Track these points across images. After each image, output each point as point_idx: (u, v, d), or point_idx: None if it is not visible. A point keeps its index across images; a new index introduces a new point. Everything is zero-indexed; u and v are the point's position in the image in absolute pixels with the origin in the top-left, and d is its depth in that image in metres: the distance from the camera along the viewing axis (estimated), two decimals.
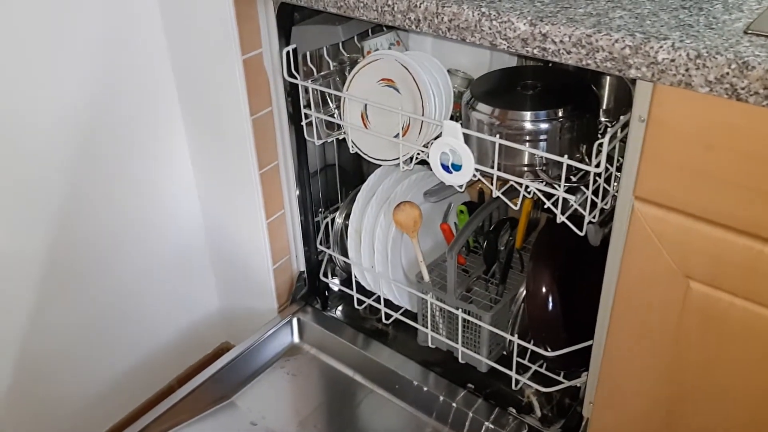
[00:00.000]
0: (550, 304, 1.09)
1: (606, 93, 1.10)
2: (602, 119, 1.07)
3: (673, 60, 0.68)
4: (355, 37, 1.19)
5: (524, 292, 1.15)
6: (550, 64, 1.15)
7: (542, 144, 0.97)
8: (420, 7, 0.85)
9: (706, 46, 0.68)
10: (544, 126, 0.96)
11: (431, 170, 1.31)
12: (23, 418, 1.26)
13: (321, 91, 1.16)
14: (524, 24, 0.78)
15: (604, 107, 1.08)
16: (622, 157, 0.88)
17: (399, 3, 0.87)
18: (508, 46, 0.80)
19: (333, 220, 1.38)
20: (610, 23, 0.75)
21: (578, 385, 1.12)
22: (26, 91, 1.08)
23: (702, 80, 0.67)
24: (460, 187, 1.04)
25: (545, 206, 0.98)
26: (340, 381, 1.29)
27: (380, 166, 1.28)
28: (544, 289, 1.10)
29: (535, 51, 0.78)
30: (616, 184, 0.94)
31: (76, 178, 1.19)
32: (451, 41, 1.16)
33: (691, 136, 0.72)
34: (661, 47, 0.69)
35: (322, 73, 1.18)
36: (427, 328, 1.23)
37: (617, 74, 0.74)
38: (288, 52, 1.14)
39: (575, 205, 0.95)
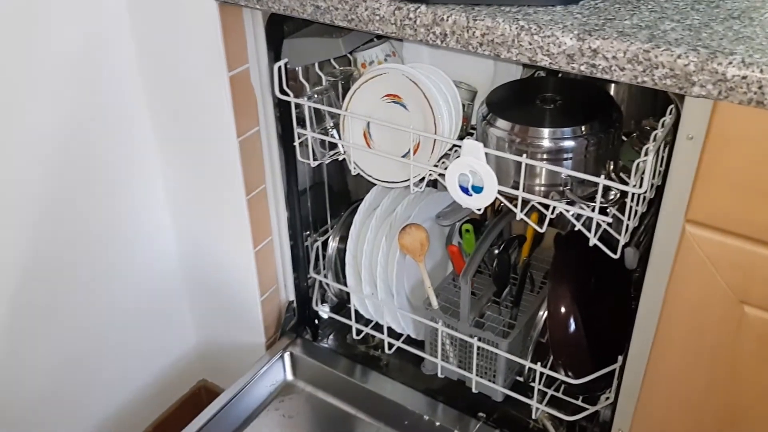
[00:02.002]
0: (572, 326, 1.04)
1: None
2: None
3: (744, 77, 0.64)
4: None
5: (543, 315, 1.10)
6: (560, 74, 1.11)
7: (566, 162, 0.91)
8: (447, 20, 0.78)
9: None
10: (568, 144, 0.90)
11: (430, 187, 1.26)
12: None
13: (315, 108, 1.07)
14: (571, 38, 0.71)
15: None
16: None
17: (423, 16, 0.79)
18: (550, 63, 0.74)
19: (324, 243, 1.29)
20: (665, 36, 0.69)
21: (599, 409, 1.07)
22: None
23: None
24: (478, 210, 0.97)
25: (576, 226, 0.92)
26: (343, 421, 1.20)
27: (375, 185, 1.21)
28: (564, 311, 1.05)
29: (583, 68, 0.72)
30: (645, 204, 0.89)
31: (36, 210, 1.06)
32: (451, 51, 1.08)
33: (758, 155, 0.68)
34: (730, 63, 0.64)
35: (317, 89, 1.09)
36: (436, 356, 1.16)
37: (676, 92, 0.69)
38: (279, 68, 1.04)
39: (604, 226, 0.90)
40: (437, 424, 1.14)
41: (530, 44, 0.74)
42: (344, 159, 1.10)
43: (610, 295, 1.12)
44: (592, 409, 1.06)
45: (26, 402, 1.15)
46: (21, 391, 1.13)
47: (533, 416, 1.11)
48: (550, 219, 0.94)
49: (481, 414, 1.15)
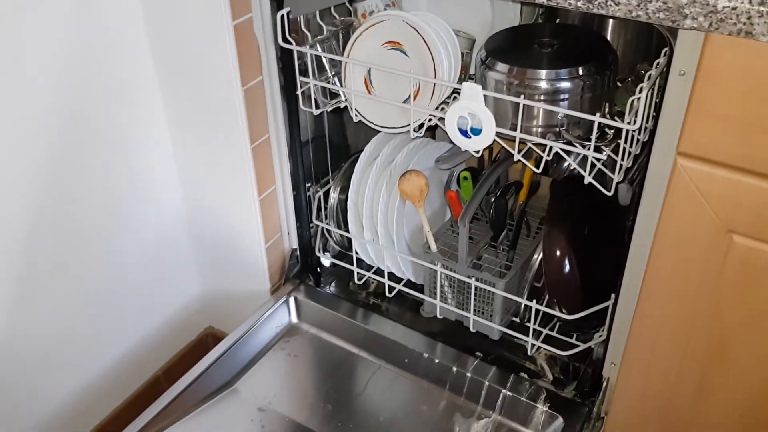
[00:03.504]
0: (567, 267, 1.08)
1: None
2: None
3: (734, 8, 0.67)
4: None
5: (538, 257, 1.14)
6: (558, 20, 1.14)
7: (563, 104, 0.94)
8: None
9: None
10: (565, 85, 0.93)
11: (429, 137, 1.29)
12: (6, 419, 1.16)
13: (317, 57, 1.10)
14: None
15: None
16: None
17: None
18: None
19: (326, 193, 1.32)
20: None
21: (592, 346, 1.12)
22: None
23: (765, 28, 0.66)
24: (477, 152, 1.01)
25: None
26: (346, 359, 1.25)
27: (377, 134, 1.24)
28: (558, 253, 1.09)
29: (579, 3, 0.75)
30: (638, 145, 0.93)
31: (41, 161, 1.09)
32: None
33: (745, 87, 0.71)
34: None
35: (318, 37, 1.11)
36: (435, 298, 1.20)
37: (669, 25, 0.72)
38: (282, 16, 1.06)
39: (599, 165, 0.94)
40: (436, 361, 1.19)
41: None
42: (345, 110, 1.13)
43: (603, 243, 1.16)
44: (585, 345, 1.11)
45: (38, 346, 1.18)
46: (33, 337, 1.16)
47: (529, 353, 1.16)
48: (546, 167, 0.97)
49: (478, 353, 1.20)
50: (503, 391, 1.14)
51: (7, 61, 0.98)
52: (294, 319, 1.32)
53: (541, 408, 1.11)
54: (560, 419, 1.09)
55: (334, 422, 1.13)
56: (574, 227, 1.11)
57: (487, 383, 1.15)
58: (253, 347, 1.24)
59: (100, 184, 1.19)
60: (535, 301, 1.10)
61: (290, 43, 1.08)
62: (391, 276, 1.26)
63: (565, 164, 1.23)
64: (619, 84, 1.02)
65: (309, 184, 1.31)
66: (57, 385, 1.24)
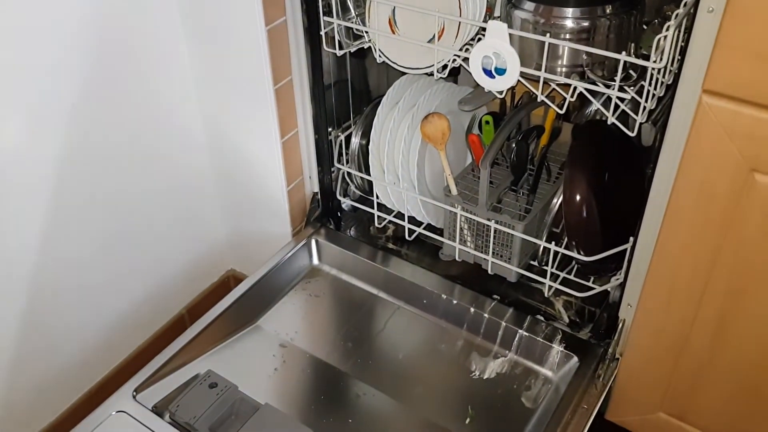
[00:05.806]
0: (586, 210, 1.09)
1: None
2: None
3: None
4: None
5: (558, 202, 1.15)
6: None
7: (588, 43, 0.94)
8: None
9: None
10: (591, 23, 0.93)
11: (452, 82, 1.29)
12: (35, 352, 1.20)
13: None
14: None
15: None
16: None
17: None
18: None
19: (348, 138, 1.33)
20: None
21: (609, 289, 1.13)
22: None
23: None
24: (500, 93, 1.01)
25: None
26: (366, 299, 1.28)
27: (398, 78, 1.24)
28: (579, 196, 1.09)
29: None
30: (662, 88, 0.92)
31: (73, 104, 1.10)
32: None
33: None
34: None
35: None
36: (455, 241, 1.22)
37: None
38: None
39: (623, 106, 0.94)
40: (454, 302, 1.21)
41: None
42: (367, 54, 1.13)
43: (623, 189, 1.16)
44: (602, 288, 1.12)
45: (66, 279, 1.21)
46: (60, 271, 1.19)
47: (546, 295, 1.17)
48: (568, 111, 0.97)
49: (495, 296, 1.22)
50: (519, 331, 1.16)
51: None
52: (315, 261, 1.34)
53: (557, 348, 1.13)
54: (575, 359, 1.11)
55: (353, 359, 1.17)
56: (595, 171, 1.11)
57: (504, 324, 1.18)
58: (275, 287, 1.27)
59: (126, 125, 1.20)
60: (553, 243, 1.12)
61: None
62: (412, 220, 1.28)
63: (587, 110, 1.23)
64: (644, 27, 1.01)
65: (330, 129, 1.32)
66: (82, 320, 1.28)
